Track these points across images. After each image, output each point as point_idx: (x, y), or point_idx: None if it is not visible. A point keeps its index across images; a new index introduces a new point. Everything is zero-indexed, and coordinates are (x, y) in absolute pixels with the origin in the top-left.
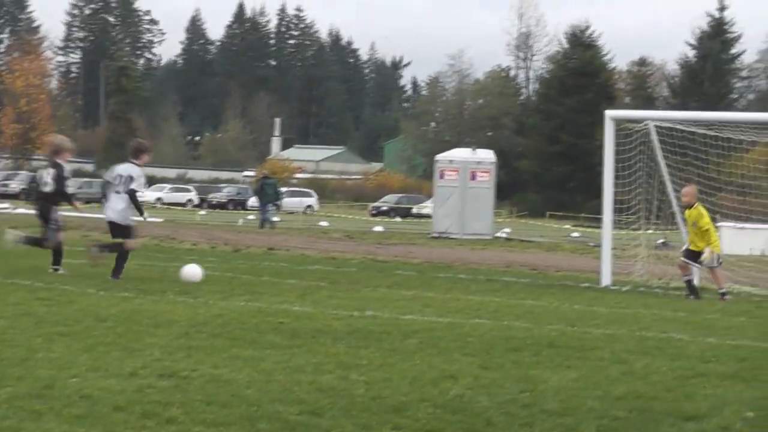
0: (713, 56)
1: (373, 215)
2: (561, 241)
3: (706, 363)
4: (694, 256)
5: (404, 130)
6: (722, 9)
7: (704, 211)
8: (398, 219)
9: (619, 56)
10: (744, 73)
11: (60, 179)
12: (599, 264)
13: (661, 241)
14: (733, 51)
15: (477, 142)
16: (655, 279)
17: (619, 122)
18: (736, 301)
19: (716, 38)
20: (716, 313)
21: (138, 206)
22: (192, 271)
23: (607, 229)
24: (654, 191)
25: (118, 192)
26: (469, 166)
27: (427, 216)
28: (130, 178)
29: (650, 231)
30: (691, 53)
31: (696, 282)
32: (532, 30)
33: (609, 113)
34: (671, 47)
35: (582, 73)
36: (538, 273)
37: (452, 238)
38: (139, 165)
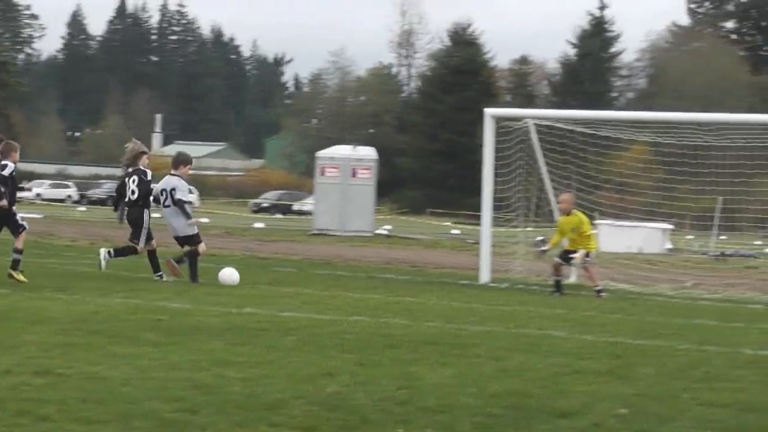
0: (593, 55)
1: (254, 212)
2: (441, 238)
3: (581, 360)
4: (568, 255)
5: (286, 126)
6: (602, 8)
7: (584, 218)
8: (279, 216)
9: (500, 54)
10: (623, 72)
11: (143, 184)
12: (478, 261)
13: (540, 238)
14: (613, 50)
15: (358, 139)
16: (533, 276)
17: (499, 120)
18: (612, 299)
19: (596, 37)
20: (592, 311)
21: (186, 213)
22: (230, 274)
23: (486, 227)
24: (533, 189)
25: (167, 206)
26: (350, 163)
27: (308, 213)
28: (174, 190)
29: (529, 228)
30: (571, 52)
31: (573, 280)
32: (415, 27)
33: (489, 111)
34: (552, 46)
35: (463, 71)
36: (418, 270)
37: (332, 235)
38: (179, 176)
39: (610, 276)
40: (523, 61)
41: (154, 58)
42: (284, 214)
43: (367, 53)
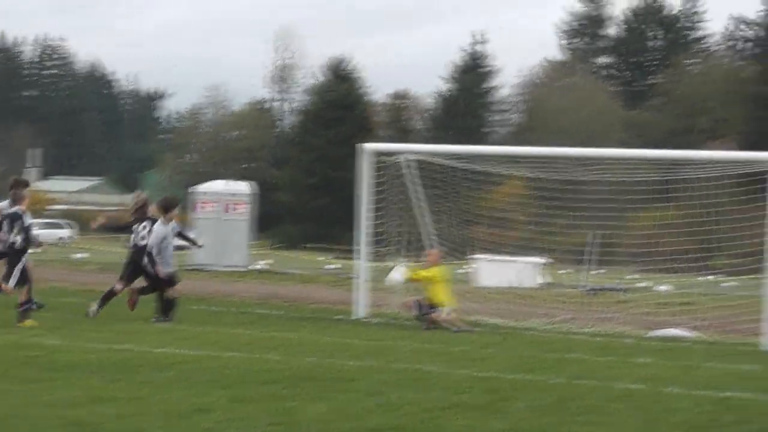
0: (468, 90)
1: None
2: (318, 273)
3: (457, 394)
4: (431, 304)
5: (162, 161)
6: (478, 43)
7: (444, 271)
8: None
9: (377, 89)
10: (498, 107)
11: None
12: (354, 296)
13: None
14: (488, 85)
15: (234, 174)
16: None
17: (375, 155)
18: (487, 333)
19: (472, 72)
20: (468, 345)
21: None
22: None
23: (362, 261)
24: (409, 224)
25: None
26: (224, 198)
27: (185, 248)
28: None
29: (404, 263)
30: (447, 87)
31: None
32: (290, 62)
33: (365, 146)
34: (429, 81)
35: (340, 105)
36: (293, 305)
37: (208, 270)
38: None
39: (484, 311)
40: (400, 95)
41: (31, 93)
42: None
43: (243, 88)
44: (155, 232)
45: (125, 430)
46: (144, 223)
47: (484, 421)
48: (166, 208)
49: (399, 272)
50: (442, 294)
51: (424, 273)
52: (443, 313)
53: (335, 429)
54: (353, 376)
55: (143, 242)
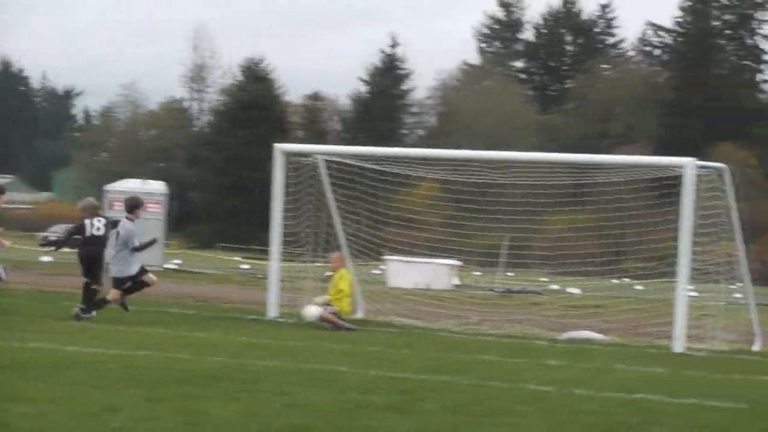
0: (384, 92)
1: (42, 245)
2: (231, 273)
3: (367, 395)
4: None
5: (75, 159)
6: (394, 46)
7: (346, 276)
8: (67, 249)
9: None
10: (414, 110)
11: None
12: (266, 296)
13: (329, 274)
14: (404, 87)
15: (148, 173)
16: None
17: (289, 155)
18: (399, 334)
19: (388, 74)
20: (379, 346)
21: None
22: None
23: (274, 262)
24: (322, 225)
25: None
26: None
27: None
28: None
29: (317, 264)
30: (363, 89)
31: (361, 315)
32: (207, 62)
33: (279, 147)
34: (345, 82)
35: (255, 106)
36: (206, 305)
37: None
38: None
39: (398, 312)
40: (315, 97)
41: None
42: (72, 247)
43: (158, 87)
44: (125, 230)
45: (32, 429)
46: (98, 218)
47: (394, 421)
48: (133, 206)
49: (313, 308)
50: (344, 298)
51: (344, 285)
52: (325, 311)
53: (243, 429)
54: (263, 377)
55: (99, 233)
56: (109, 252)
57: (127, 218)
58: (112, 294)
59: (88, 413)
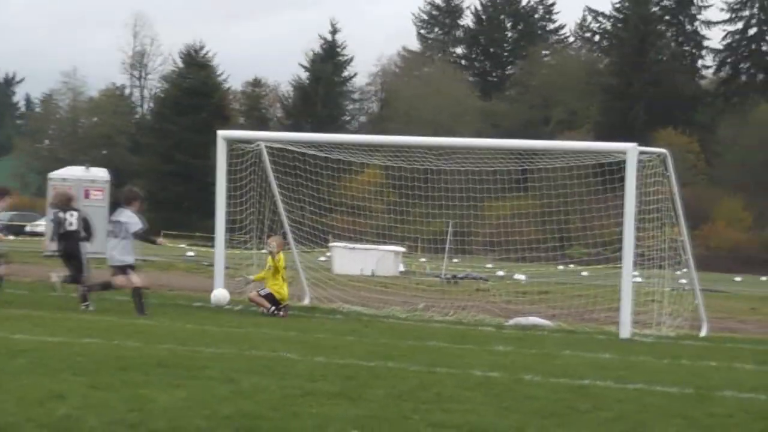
0: (325, 78)
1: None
2: (175, 260)
3: (313, 382)
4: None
5: (17, 147)
6: (334, 32)
7: (281, 259)
8: (11, 237)
9: (234, 77)
10: (356, 96)
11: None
12: (212, 283)
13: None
14: (345, 74)
15: (91, 160)
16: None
17: (231, 142)
18: (345, 321)
19: (328, 61)
20: (326, 333)
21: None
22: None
23: (219, 249)
24: (266, 211)
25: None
26: (82, 184)
27: (41, 234)
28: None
29: (262, 251)
30: (304, 75)
31: (307, 302)
32: (147, 49)
33: (221, 133)
34: (286, 69)
35: (197, 92)
36: (151, 292)
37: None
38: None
39: (344, 298)
40: (256, 83)
41: None
42: (16, 235)
43: (99, 74)
44: (134, 220)
45: None
46: (71, 212)
47: (340, 408)
48: (133, 198)
49: (223, 292)
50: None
51: (279, 263)
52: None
53: (189, 416)
54: (207, 364)
55: (71, 228)
56: (111, 241)
57: (127, 208)
58: (120, 280)
59: (34, 400)
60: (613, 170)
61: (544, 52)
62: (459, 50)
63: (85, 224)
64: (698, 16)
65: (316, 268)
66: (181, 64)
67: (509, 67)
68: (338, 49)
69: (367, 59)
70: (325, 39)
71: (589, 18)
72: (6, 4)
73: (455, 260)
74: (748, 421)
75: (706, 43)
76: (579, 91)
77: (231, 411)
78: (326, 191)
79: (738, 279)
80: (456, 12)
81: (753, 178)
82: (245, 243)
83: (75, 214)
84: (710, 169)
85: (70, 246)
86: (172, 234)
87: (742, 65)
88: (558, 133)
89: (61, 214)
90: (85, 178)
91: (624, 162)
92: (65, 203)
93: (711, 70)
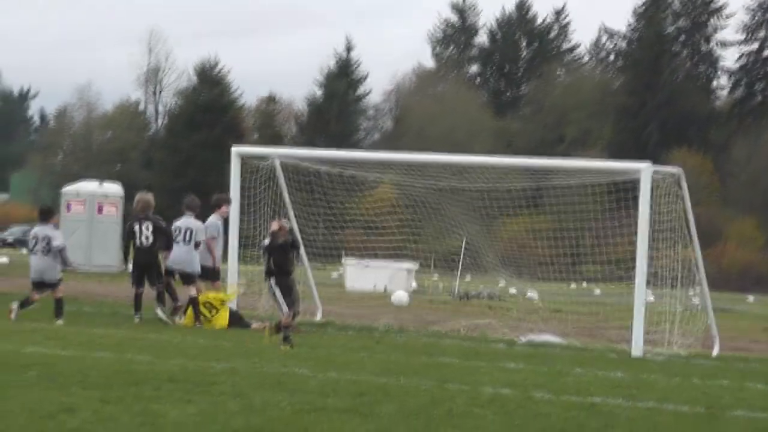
0: (340, 96)
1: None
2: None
3: (325, 397)
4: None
5: (31, 161)
6: (349, 50)
7: None
8: (24, 251)
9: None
10: (370, 113)
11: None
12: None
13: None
14: (360, 91)
15: (105, 175)
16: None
17: (245, 158)
18: (357, 337)
19: (343, 78)
20: (337, 348)
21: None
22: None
23: (233, 264)
24: None
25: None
26: (95, 198)
27: None
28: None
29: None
30: (318, 92)
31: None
32: (162, 64)
33: (235, 149)
34: (300, 85)
35: (210, 108)
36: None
37: (78, 272)
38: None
39: (357, 314)
40: (271, 100)
41: None
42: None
43: (113, 89)
44: (212, 224)
45: None
46: (146, 223)
47: (351, 424)
48: (218, 204)
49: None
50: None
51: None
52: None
53: (200, 431)
54: (218, 379)
55: (147, 243)
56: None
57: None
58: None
59: (45, 413)
60: (627, 189)
61: (558, 71)
62: (473, 69)
63: (162, 233)
64: (713, 37)
65: (328, 284)
66: (195, 80)
67: (523, 86)
68: (353, 67)
69: (381, 77)
70: (340, 56)
71: (604, 37)
72: (20, 19)
73: (468, 278)
74: None
75: (720, 63)
76: (593, 110)
77: (241, 426)
78: (339, 208)
79: (750, 299)
80: (471, 30)
81: (766, 198)
82: (259, 259)
83: (150, 226)
84: (723, 188)
85: (146, 260)
86: None
87: (756, 86)
88: (572, 152)
89: (136, 227)
90: (98, 193)
91: (638, 181)
92: (143, 211)
93: (725, 91)
